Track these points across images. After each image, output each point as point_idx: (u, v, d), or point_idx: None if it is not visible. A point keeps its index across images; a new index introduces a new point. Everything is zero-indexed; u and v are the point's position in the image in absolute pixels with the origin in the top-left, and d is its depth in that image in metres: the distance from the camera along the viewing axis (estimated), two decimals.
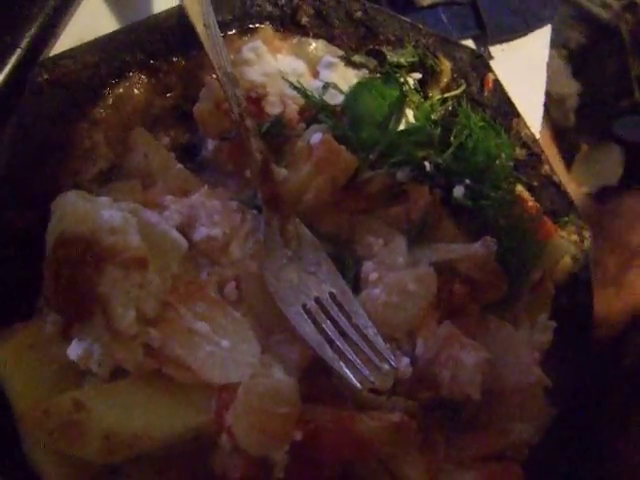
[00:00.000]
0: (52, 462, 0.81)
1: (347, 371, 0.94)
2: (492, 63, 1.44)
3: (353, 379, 0.94)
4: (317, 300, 0.98)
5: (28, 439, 0.81)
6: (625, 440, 1.30)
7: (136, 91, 1.00)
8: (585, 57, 3.26)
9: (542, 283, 1.23)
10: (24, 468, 0.82)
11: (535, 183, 1.27)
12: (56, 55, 0.95)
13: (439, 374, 1.04)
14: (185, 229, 0.97)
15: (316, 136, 1.04)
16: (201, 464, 0.90)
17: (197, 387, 0.88)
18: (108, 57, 0.97)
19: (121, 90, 0.99)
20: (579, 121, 3.22)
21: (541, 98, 1.47)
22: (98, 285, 0.83)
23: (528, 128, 1.28)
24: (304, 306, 0.97)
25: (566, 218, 1.29)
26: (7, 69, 0.93)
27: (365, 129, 1.10)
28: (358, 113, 1.11)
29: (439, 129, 1.14)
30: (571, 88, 3.33)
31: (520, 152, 1.28)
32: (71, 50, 0.94)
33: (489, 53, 1.44)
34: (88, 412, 0.79)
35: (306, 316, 0.96)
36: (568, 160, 2.33)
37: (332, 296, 1.00)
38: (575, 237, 1.30)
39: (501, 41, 1.44)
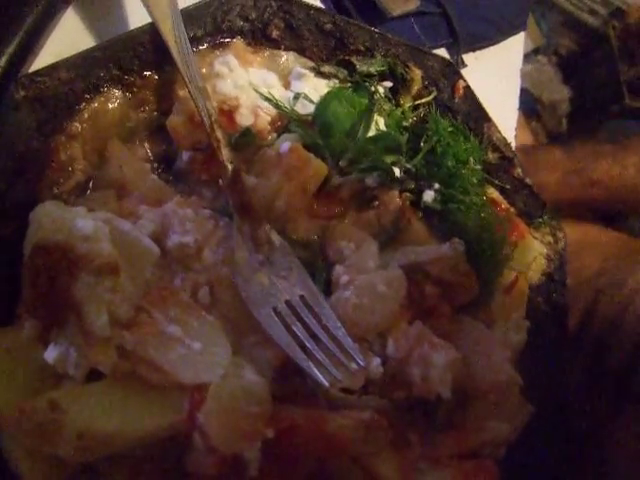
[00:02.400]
0: (29, 461, 0.85)
1: (315, 371, 0.98)
2: (465, 70, 1.51)
3: (321, 379, 0.98)
4: (287, 303, 1.03)
5: (6, 439, 0.86)
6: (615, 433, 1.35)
7: (111, 105, 1.06)
8: (576, 63, 3.31)
9: (516, 284, 1.28)
10: (3, 468, 0.87)
11: (508, 186, 1.31)
12: (33, 72, 1.01)
13: (410, 373, 1.08)
14: (159, 237, 1.02)
15: (285, 145, 1.10)
16: (176, 463, 0.94)
17: (170, 388, 0.92)
18: (83, 73, 1.02)
19: (96, 105, 1.05)
20: (571, 126, 3.27)
21: (515, 103, 1.52)
22: (72, 291, 0.88)
23: (499, 132, 1.32)
24: (274, 309, 1.02)
25: (540, 220, 1.33)
26: None
27: (334, 137, 1.15)
28: (328, 122, 1.16)
29: (407, 135, 1.19)
30: (563, 94, 3.38)
31: (492, 156, 1.32)
32: (47, 67, 1.00)
33: (462, 61, 1.49)
34: (63, 412, 0.84)
35: (276, 318, 1.01)
36: None
37: (302, 299, 1.04)
38: (549, 238, 1.34)
39: (474, 49, 1.50)
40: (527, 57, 3.12)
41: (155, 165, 1.12)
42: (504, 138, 1.33)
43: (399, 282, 1.10)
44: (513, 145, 1.49)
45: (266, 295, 1.02)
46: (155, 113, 1.11)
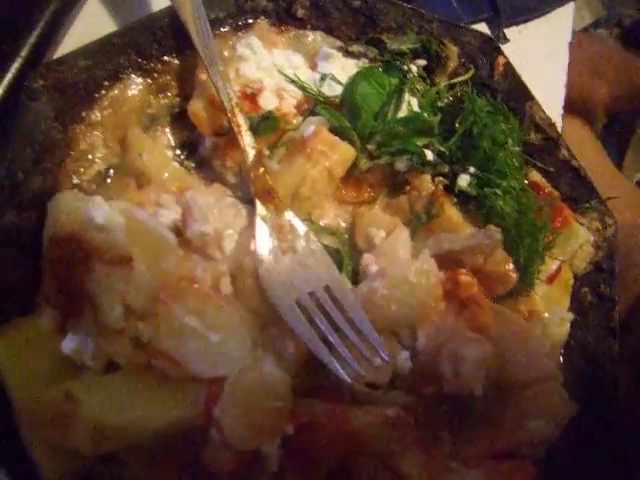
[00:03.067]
0: (47, 450, 0.86)
1: (337, 366, 0.95)
2: (507, 46, 1.42)
3: (343, 374, 0.94)
4: (311, 294, 0.99)
5: (25, 430, 0.86)
6: None
7: (131, 92, 1.05)
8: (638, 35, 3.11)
9: (559, 273, 1.20)
10: (23, 458, 0.87)
11: (551, 169, 1.23)
12: (51, 61, 1.01)
13: (441, 369, 1.03)
14: (179, 226, 1.00)
15: (309, 128, 1.05)
16: (194, 457, 0.93)
17: (186, 381, 0.91)
18: (102, 60, 1.01)
19: (116, 92, 1.03)
20: None
21: (562, 80, 1.41)
22: (87, 282, 0.88)
23: (543, 111, 1.23)
24: (297, 300, 0.98)
25: (587, 205, 1.24)
26: (8, 77, 0.99)
27: (363, 119, 1.10)
28: (356, 103, 1.11)
29: (440, 116, 1.12)
30: None
31: (535, 137, 1.24)
32: (65, 56, 0.99)
33: (504, 35, 1.40)
34: (78, 404, 0.84)
35: (299, 310, 0.97)
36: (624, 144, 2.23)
37: (327, 289, 1.00)
38: (597, 224, 1.25)
39: (517, 22, 1.40)
40: (586, 31, 2.94)
41: (177, 152, 1.10)
42: (548, 118, 1.24)
43: (431, 273, 1.05)
44: (559, 125, 1.40)
45: (289, 286, 0.99)
46: (177, 99, 1.09)
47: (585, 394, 1.21)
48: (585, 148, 1.75)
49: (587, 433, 1.19)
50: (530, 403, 1.14)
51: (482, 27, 1.38)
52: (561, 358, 1.22)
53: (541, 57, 1.41)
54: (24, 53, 1.00)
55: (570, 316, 1.20)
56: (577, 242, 1.22)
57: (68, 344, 0.90)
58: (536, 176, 1.22)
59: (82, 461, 0.88)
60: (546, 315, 1.18)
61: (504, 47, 1.40)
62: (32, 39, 1.00)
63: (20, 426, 0.86)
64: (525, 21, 1.41)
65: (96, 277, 0.87)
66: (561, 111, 1.40)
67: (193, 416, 0.90)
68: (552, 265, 1.20)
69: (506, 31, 1.40)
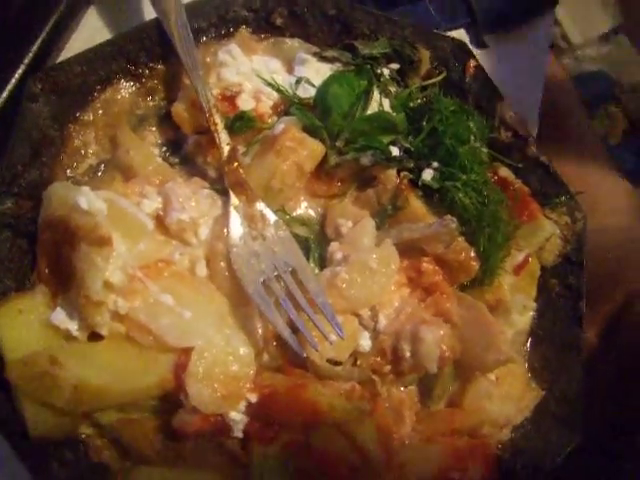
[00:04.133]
0: (34, 409, 0.98)
1: (295, 342, 1.05)
2: (486, 51, 1.51)
3: (300, 348, 1.04)
4: (278, 277, 1.10)
5: (16, 390, 0.99)
6: None
7: (121, 95, 1.18)
8: None
9: (526, 264, 1.27)
10: (14, 415, 1.00)
11: (520, 165, 1.30)
12: (48, 67, 1.15)
13: (400, 349, 1.12)
14: (160, 215, 1.12)
15: (279, 126, 1.17)
16: (165, 420, 1.04)
17: (159, 350, 1.03)
18: (95, 66, 1.15)
19: (108, 95, 1.17)
20: None
21: (540, 83, 1.49)
22: (73, 260, 1.01)
23: (513, 111, 1.32)
24: (264, 282, 1.09)
25: (557, 200, 1.31)
26: (12, 82, 1.14)
27: (333, 118, 1.20)
28: (328, 104, 1.22)
29: (402, 114, 1.22)
30: None
31: (505, 135, 1.32)
32: (61, 62, 1.14)
33: (482, 42, 1.48)
34: (61, 366, 0.96)
35: (264, 291, 1.08)
36: None
37: (293, 273, 1.11)
38: (566, 218, 1.32)
39: (495, 29, 1.48)
40: (606, 37, 2.99)
41: (163, 149, 1.23)
42: (518, 116, 1.32)
43: (391, 259, 1.15)
44: (535, 124, 1.48)
45: (257, 269, 1.10)
46: (163, 101, 1.22)
47: (551, 380, 1.28)
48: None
49: (553, 417, 1.26)
50: (492, 387, 1.22)
51: (460, 33, 1.47)
52: (529, 346, 1.30)
53: (520, 62, 1.50)
54: (27, 60, 1.14)
55: (533, 305, 1.27)
56: (543, 235, 1.29)
57: (57, 316, 1.03)
58: (505, 172, 1.30)
59: (65, 420, 1.01)
60: (510, 304, 1.26)
61: (482, 52, 1.51)
62: (34, 48, 1.15)
63: (11, 386, 0.99)
64: (503, 28, 1.49)
65: (80, 255, 1.00)
66: (538, 111, 1.48)
67: (164, 381, 1.01)
68: (518, 257, 1.28)
69: (485, 38, 1.49)
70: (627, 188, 1.72)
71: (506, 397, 1.21)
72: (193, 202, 1.13)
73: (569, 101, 1.88)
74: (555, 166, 1.31)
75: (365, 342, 1.13)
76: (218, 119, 1.14)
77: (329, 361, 1.10)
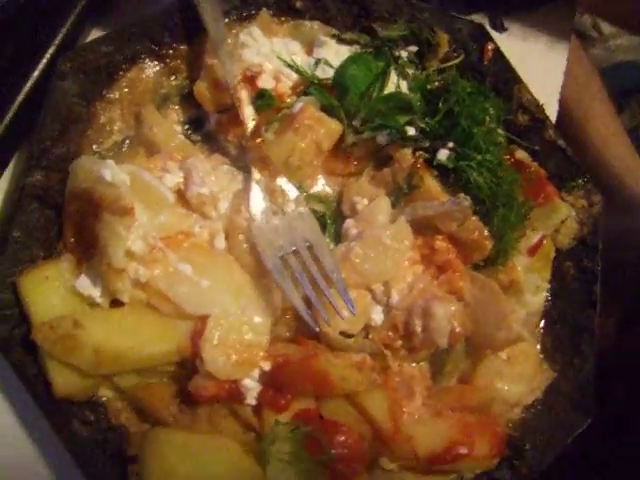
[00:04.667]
0: (58, 370, 1.04)
1: (309, 315, 1.08)
2: (505, 35, 1.52)
3: (312, 321, 1.08)
4: (296, 252, 1.14)
5: (41, 352, 1.05)
6: None
7: (146, 74, 1.23)
8: None
9: (540, 246, 1.29)
10: (39, 376, 1.06)
11: (537, 148, 1.32)
12: (77, 47, 1.21)
13: (412, 323, 1.15)
14: (181, 189, 1.17)
15: (298, 105, 1.20)
16: (182, 385, 1.09)
17: (177, 317, 1.08)
18: (121, 47, 1.20)
19: (133, 74, 1.22)
20: None
21: (562, 68, 1.50)
22: (97, 229, 1.06)
23: (530, 94, 1.33)
24: (282, 256, 1.13)
25: (573, 183, 1.33)
26: (44, 61, 1.19)
27: (350, 98, 1.24)
28: (345, 84, 1.25)
29: (418, 95, 1.24)
30: None
31: (522, 118, 1.34)
32: (89, 42, 1.19)
33: (502, 24, 1.50)
34: (83, 329, 1.02)
35: (282, 265, 1.12)
36: None
37: (310, 249, 1.14)
38: (583, 202, 1.33)
39: (516, 12, 1.50)
40: None
41: (185, 127, 1.27)
42: (535, 100, 1.34)
43: (404, 235, 1.18)
44: (555, 109, 1.49)
45: (276, 243, 1.13)
46: (186, 80, 1.27)
47: (563, 362, 1.29)
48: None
49: (563, 399, 1.28)
50: (503, 365, 1.24)
51: (480, 17, 1.49)
52: (542, 327, 1.32)
53: (541, 45, 1.51)
54: (57, 41, 1.20)
55: (547, 286, 1.29)
56: (559, 217, 1.31)
57: (81, 283, 1.08)
58: (522, 154, 1.32)
59: (88, 382, 1.06)
60: (523, 284, 1.28)
61: (502, 36, 1.52)
62: (64, 29, 1.21)
63: (37, 347, 1.05)
64: (525, 11, 1.50)
65: (104, 225, 1.05)
66: (558, 96, 1.49)
67: (181, 347, 1.06)
68: (533, 238, 1.29)
69: (505, 20, 1.50)
70: None
71: (518, 377, 1.23)
72: (213, 177, 1.17)
73: (594, 93, 1.88)
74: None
75: (377, 316, 1.16)
76: (243, 95, 1.19)
77: (341, 334, 1.14)
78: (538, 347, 1.29)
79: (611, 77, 2.53)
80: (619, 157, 1.80)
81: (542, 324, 1.31)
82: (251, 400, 1.09)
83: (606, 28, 2.75)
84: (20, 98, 1.18)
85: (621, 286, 1.65)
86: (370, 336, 1.16)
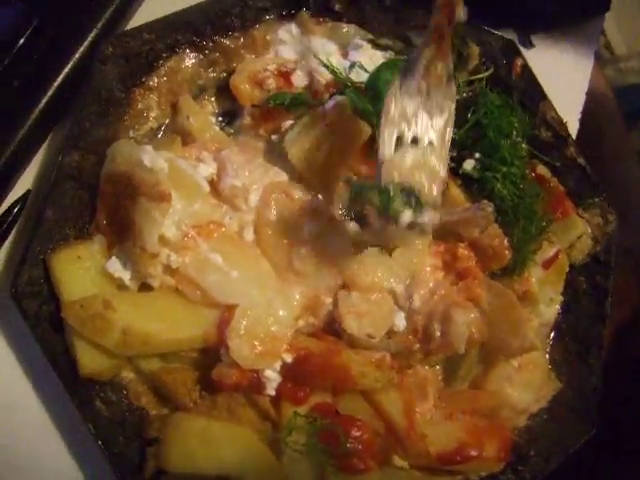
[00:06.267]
0: (84, 349, 1.06)
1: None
2: (533, 51, 1.56)
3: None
4: (414, 139, 1.06)
5: (69, 330, 1.07)
6: None
7: (185, 64, 1.26)
8: None
9: (556, 259, 1.33)
10: (65, 353, 1.09)
11: (557, 164, 1.36)
12: (120, 32, 1.24)
13: (432, 328, 1.19)
14: (214, 179, 1.20)
15: (331, 102, 1.23)
16: (206, 372, 1.11)
17: (206, 305, 1.10)
18: (162, 35, 1.23)
19: (172, 63, 1.25)
20: None
21: (584, 87, 1.54)
22: (132, 213, 1.09)
23: (555, 111, 1.38)
24: (400, 136, 1.06)
25: (590, 201, 1.37)
26: (85, 44, 1.22)
27: (381, 104, 1.27)
28: (378, 89, 1.27)
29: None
30: None
31: (545, 134, 1.39)
32: (132, 29, 1.22)
33: (530, 41, 1.54)
34: (113, 310, 1.04)
35: (394, 141, 1.05)
36: None
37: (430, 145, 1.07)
38: (599, 220, 1.38)
39: (545, 30, 1.54)
40: None
41: (220, 119, 1.31)
42: (559, 117, 1.38)
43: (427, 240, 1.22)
44: (575, 127, 1.53)
45: (403, 120, 1.06)
46: (223, 73, 1.30)
47: (570, 373, 1.34)
48: None
49: (568, 410, 1.32)
50: (514, 373, 1.28)
51: (510, 32, 1.53)
52: (552, 338, 1.36)
53: (565, 63, 1.55)
54: (99, 25, 1.23)
55: (560, 298, 1.34)
56: (575, 233, 1.35)
57: (112, 265, 1.11)
58: (543, 170, 1.37)
59: (112, 363, 1.09)
60: (538, 295, 1.32)
61: (529, 52, 1.57)
62: (107, 14, 1.23)
63: (65, 325, 1.08)
64: (553, 31, 1.54)
65: (140, 209, 1.08)
66: (579, 115, 1.53)
67: (208, 334, 1.09)
68: (549, 251, 1.34)
69: (533, 37, 1.55)
70: None
71: (526, 384, 1.27)
72: (246, 171, 1.20)
73: (608, 111, 1.93)
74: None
75: (400, 322, 1.19)
76: None
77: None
78: (547, 357, 1.33)
79: (620, 98, 2.59)
80: (629, 176, 1.85)
81: (552, 335, 1.36)
82: (270, 391, 1.12)
83: (618, 49, 2.81)
84: (60, 78, 1.20)
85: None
86: (391, 340, 1.20)
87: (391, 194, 1.03)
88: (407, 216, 1.03)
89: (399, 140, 1.06)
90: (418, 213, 1.04)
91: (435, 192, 1.07)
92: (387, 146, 1.05)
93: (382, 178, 1.05)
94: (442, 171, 1.08)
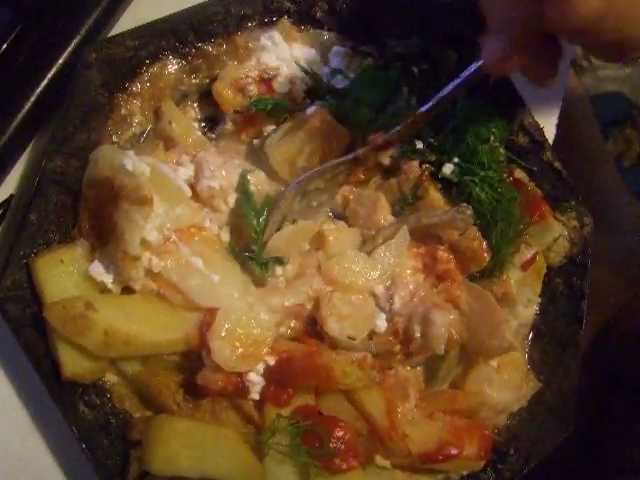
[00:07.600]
0: (66, 350, 1.06)
1: None
2: None
3: None
4: None
5: (51, 332, 1.07)
6: None
7: (168, 71, 1.27)
8: None
9: (533, 261, 1.35)
10: (48, 356, 1.09)
11: (534, 168, 1.39)
12: (103, 39, 1.24)
13: (412, 329, 1.20)
14: (194, 182, 1.21)
15: (312, 108, 1.25)
16: (189, 376, 1.12)
17: (187, 308, 1.11)
18: (145, 42, 1.23)
19: (155, 69, 1.26)
20: None
21: (560, 94, 1.57)
22: (114, 216, 1.09)
23: (532, 117, 1.40)
24: None
25: (566, 204, 1.40)
26: (68, 50, 1.22)
27: (362, 110, 1.29)
28: (359, 96, 1.30)
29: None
30: None
31: (523, 139, 1.41)
32: (116, 35, 1.22)
33: None
34: (95, 311, 1.05)
35: None
36: None
37: None
38: (575, 223, 1.40)
39: None
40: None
41: (202, 124, 1.31)
42: (536, 122, 1.40)
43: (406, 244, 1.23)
44: (552, 132, 1.56)
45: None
46: (206, 80, 1.30)
47: (549, 373, 1.36)
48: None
49: (547, 409, 1.34)
50: (493, 373, 1.30)
51: None
52: (530, 339, 1.38)
53: None
54: (83, 31, 1.24)
55: (538, 299, 1.35)
56: (552, 235, 1.37)
57: (95, 268, 1.11)
58: (520, 174, 1.39)
59: (95, 365, 1.09)
60: (516, 297, 1.34)
61: None
62: (91, 20, 1.24)
63: (47, 328, 1.08)
64: None
65: (122, 213, 1.08)
66: (556, 121, 1.56)
67: (189, 337, 1.10)
68: (527, 253, 1.36)
69: None
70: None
71: (506, 385, 1.29)
72: (224, 171, 1.21)
73: (585, 117, 1.97)
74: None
75: (381, 323, 1.21)
76: None
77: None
78: (526, 357, 1.35)
79: (597, 106, 2.64)
80: (606, 179, 1.89)
81: (530, 336, 1.38)
82: (255, 395, 1.13)
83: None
84: (43, 84, 1.21)
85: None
86: (372, 341, 1.21)
87: None
88: None
89: None
90: None
91: None
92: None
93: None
94: None
